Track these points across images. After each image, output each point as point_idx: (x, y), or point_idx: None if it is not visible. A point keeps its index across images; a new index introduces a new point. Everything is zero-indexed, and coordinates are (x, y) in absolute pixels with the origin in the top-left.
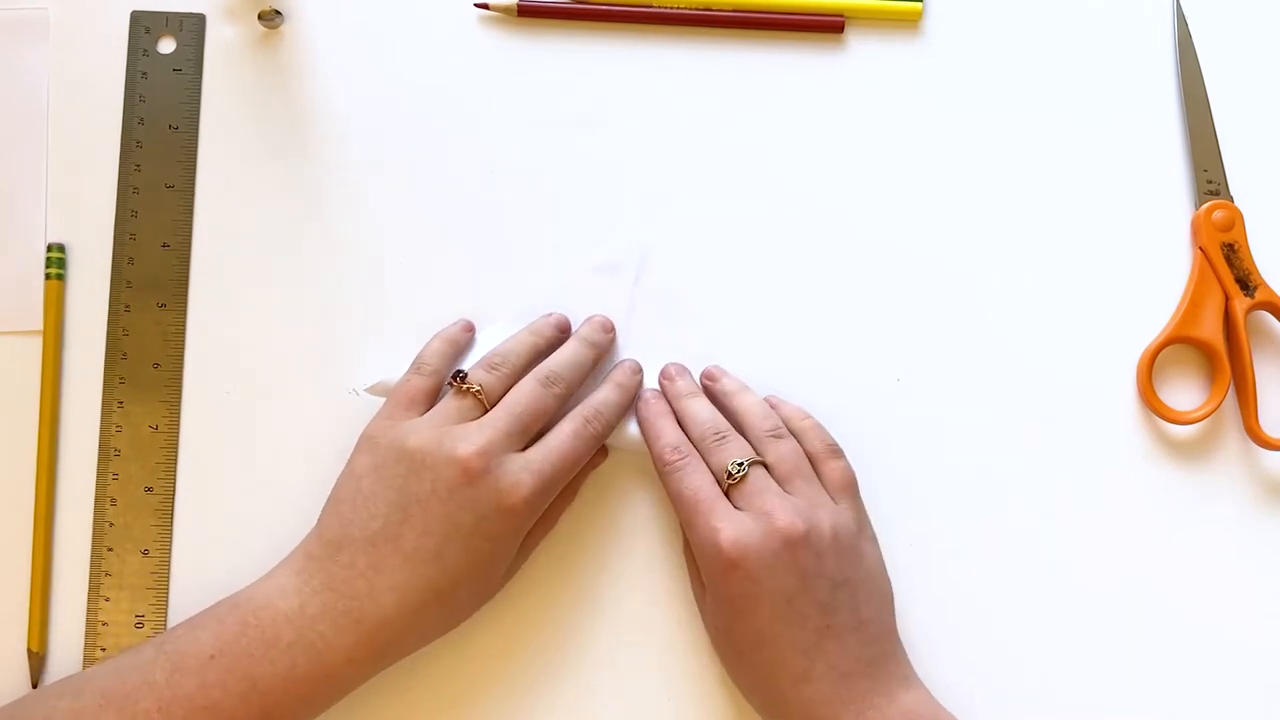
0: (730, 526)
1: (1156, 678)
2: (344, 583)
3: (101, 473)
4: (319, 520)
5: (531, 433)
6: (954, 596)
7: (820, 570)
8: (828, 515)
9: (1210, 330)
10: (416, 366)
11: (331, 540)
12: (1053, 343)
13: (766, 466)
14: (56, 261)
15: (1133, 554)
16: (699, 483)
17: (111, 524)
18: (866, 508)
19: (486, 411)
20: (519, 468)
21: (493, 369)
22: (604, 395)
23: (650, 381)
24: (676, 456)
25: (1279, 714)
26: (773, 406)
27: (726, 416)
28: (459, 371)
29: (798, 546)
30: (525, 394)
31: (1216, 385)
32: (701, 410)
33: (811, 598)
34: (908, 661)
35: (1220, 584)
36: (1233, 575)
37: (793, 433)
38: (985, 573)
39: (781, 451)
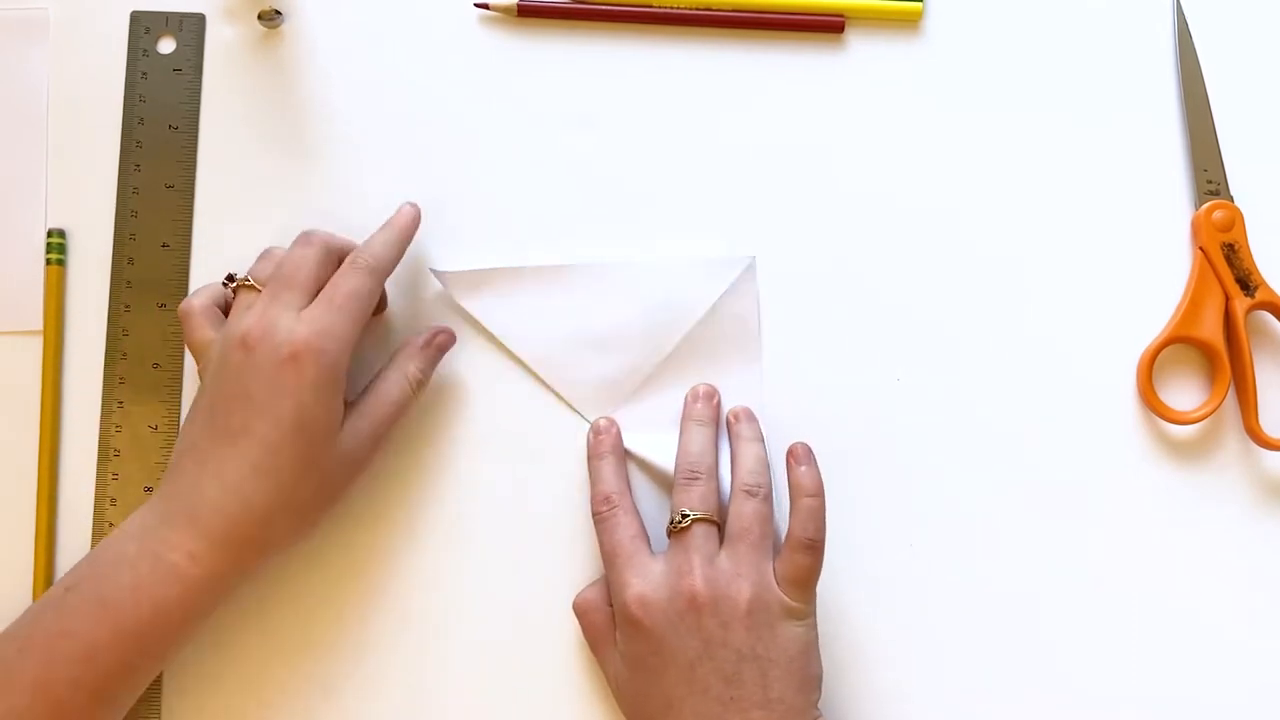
0: (639, 582)
1: (1156, 677)
2: (174, 487)
3: (101, 473)
4: None
5: (302, 289)
6: (954, 596)
7: (725, 640)
8: (749, 587)
9: (1210, 330)
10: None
11: (170, 465)
12: (1053, 342)
13: (720, 523)
14: (57, 247)
15: (1133, 554)
16: (620, 537)
17: (111, 524)
18: (859, 519)
19: None
20: (291, 320)
21: (265, 259)
22: (376, 235)
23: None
24: (605, 508)
25: (1279, 714)
26: (796, 459)
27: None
28: (229, 275)
29: (703, 611)
30: (286, 257)
31: (1216, 385)
32: (694, 442)
33: (715, 666)
34: None
35: (1220, 584)
36: (1233, 575)
37: (791, 499)
38: (985, 572)
39: (742, 510)
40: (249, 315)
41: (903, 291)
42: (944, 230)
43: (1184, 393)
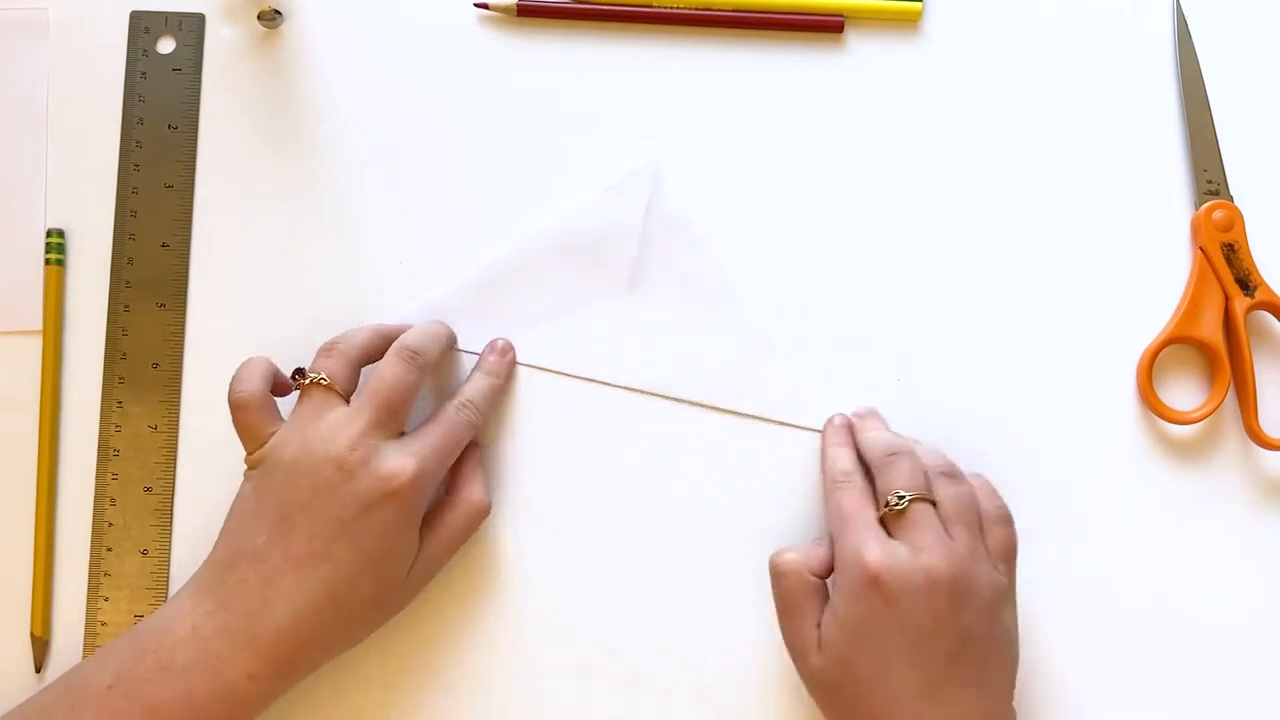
0: (878, 547)
1: (1156, 677)
2: (237, 599)
3: (101, 473)
4: (212, 549)
5: (400, 414)
6: None
7: (956, 619)
8: (984, 571)
9: (1210, 330)
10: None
11: (222, 561)
12: (1053, 342)
13: (934, 504)
14: (56, 247)
15: (1133, 554)
16: (861, 502)
17: (111, 524)
18: None
19: (342, 399)
20: (397, 452)
21: (329, 353)
22: (475, 384)
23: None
24: (844, 478)
25: (1279, 714)
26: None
27: None
28: (298, 370)
29: (940, 588)
30: (387, 373)
31: (1216, 385)
32: (882, 433)
33: (941, 643)
34: None
35: (1220, 584)
36: (1233, 575)
37: None
38: None
39: (955, 493)
40: (346, 432)
41: (902, 291)
42: (944, 230)
43: (1184, 393)
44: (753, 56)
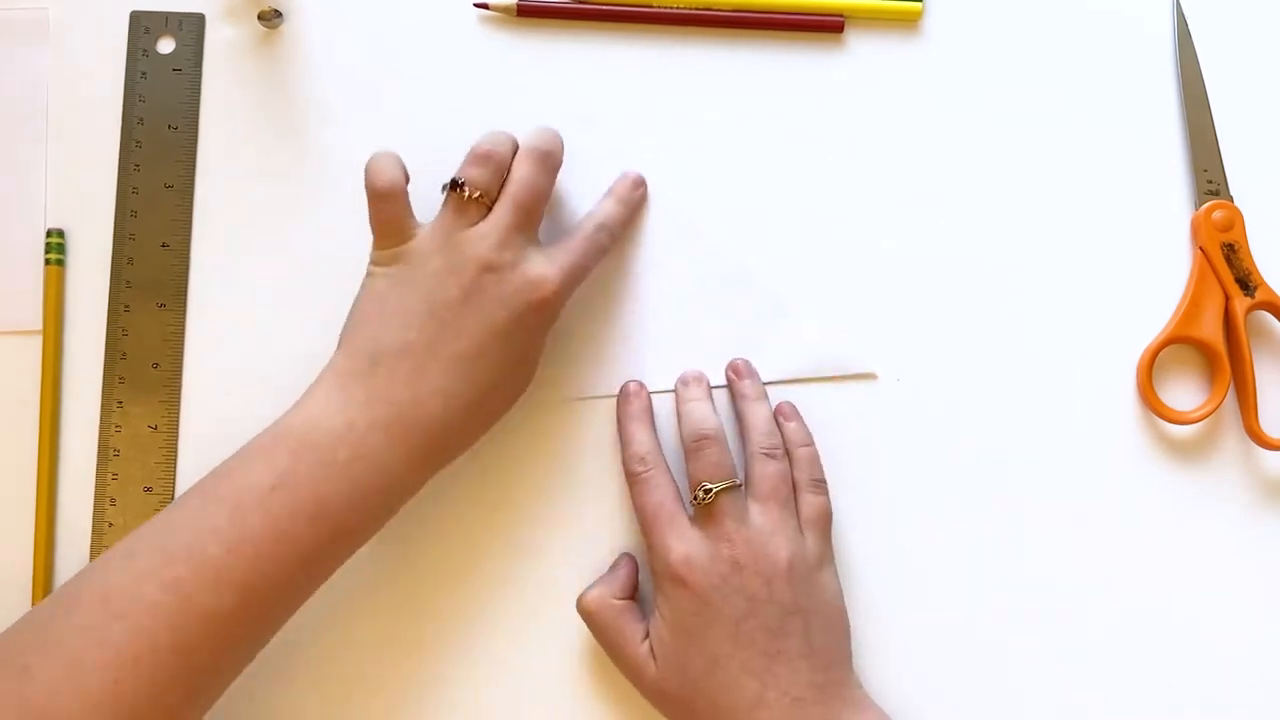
0: (681, 545)
1: (1156, 677)
2: (388, 392)
3: (101, 473)
4: (341, 341)
5: (536, 217)
6: (954, 596)
7: (770, 596)
8: (785, 544)
9: (1210, 330)
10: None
11: (365, 354)
12: (1053, 342)
13: (747, 483)
14: (56, 247)
15: (1133, 554)
16: (660, 498)
17: (111, 524)
18: (860, 519)
19: (488, 208)
20: (543, 260)
21: (485, 163)
22: (609, 209)
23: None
24: (641, 468)
25: (1279, 714)
26: (784, 417)
27: (737, 417)
28: (454, 180)
29: (746, 571)
30: (525, 176)
31: (1216, 385)
32: (697, 410)
33: (760, 622)
34: (860, 687)
35: (1220, 584)
36: (1233, 575)
37: (788, 452)
38: (985, 572)
39: (767, 471)
40: (493, 236)
41: (902, 291)
42: (944, 230)
43: (1184, 393)
44: (753, 56)
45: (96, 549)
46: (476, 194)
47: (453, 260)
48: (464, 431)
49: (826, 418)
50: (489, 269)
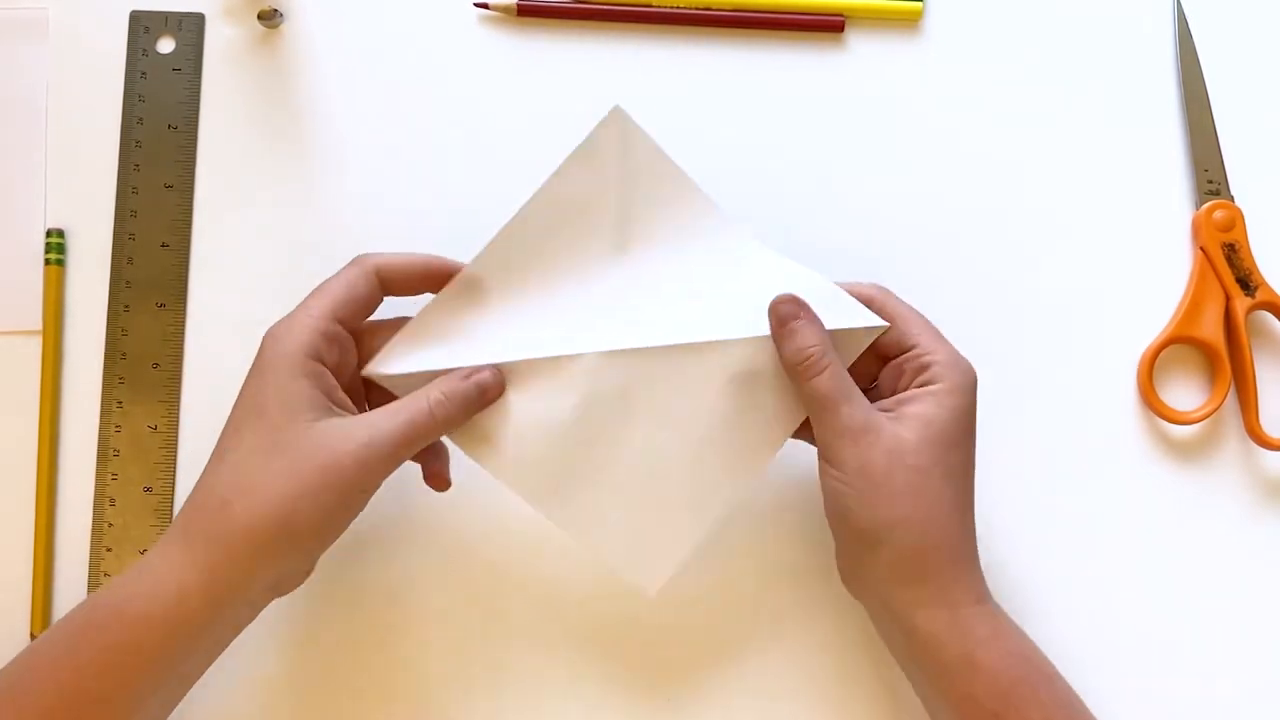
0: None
1: (1156, 677)
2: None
3: (101, 473)
4: None
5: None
6: None
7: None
8: None
9: (1211, 330)
10: None
11: None
12: (1053, 342)
13: None
14: (56, 247)
15: (1133, 554)
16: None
17: (111, 524)
18: None
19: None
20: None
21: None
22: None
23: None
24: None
25: (1279, 714)
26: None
27: None
28: None
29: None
30: None
31: (1217, 385)
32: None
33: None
34: None
35: (1220, 584)
36: (1233, 575)
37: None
38: (984, 572)
39: None
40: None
41: (902, 291)
42: (944, 229)
43: (1184, 393)
44: (753, 56)
45: (96, 549)
46: None
47: None
48: (219, 506)
49: None
50: None
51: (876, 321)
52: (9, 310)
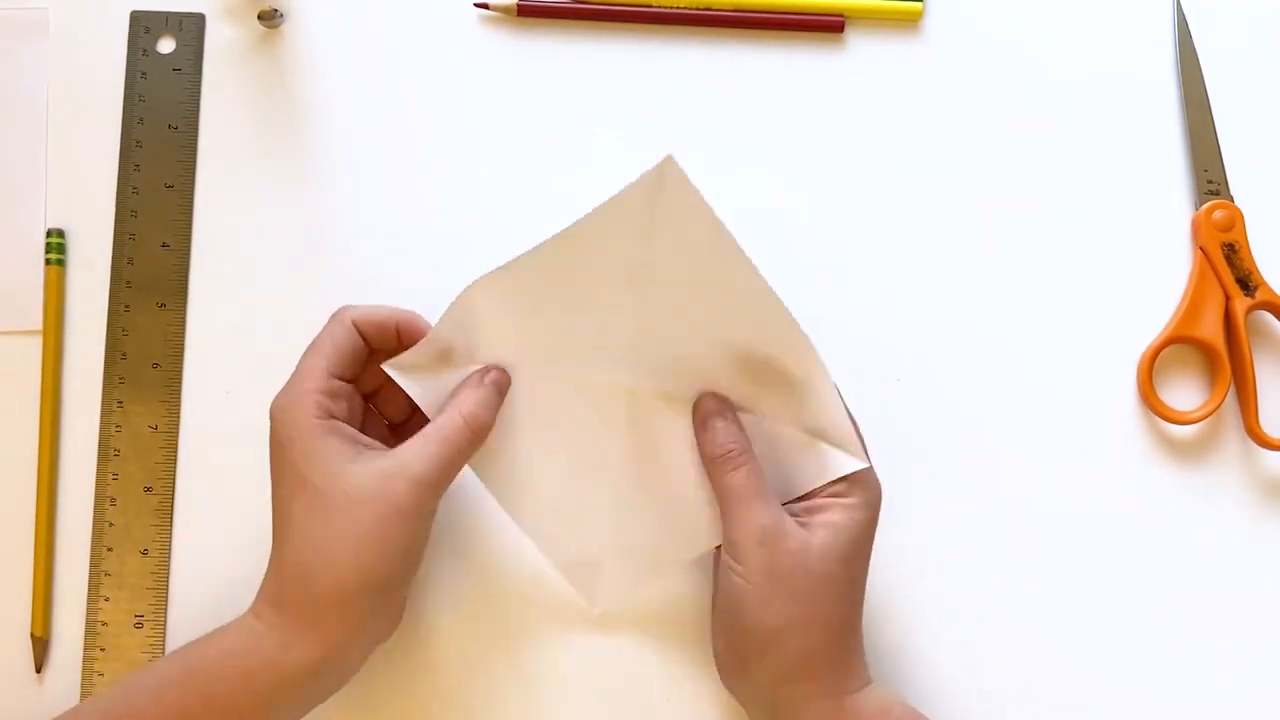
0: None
1: (1156, 678)
2: None
3: (101, 473)
4: None
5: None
6: (954, 596)
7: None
8: None
9: (1210, 330)
10: None
11: None
12: (1053, 343)
13: None
14: (56, 247)
15: (1133, 554)
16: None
17: (111, 524)
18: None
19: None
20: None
21: None
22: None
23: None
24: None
25: (1279, 714)
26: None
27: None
28: None
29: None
30: None
31: (1217, 385)
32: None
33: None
34: None
35: (1220, 584)
36: (1233, 575)
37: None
38: (984, 572)
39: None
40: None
41: (902, 291)
42: (943, 230)
43: (1184, 393)
44: (753, 56)
45: (96, 549)
46: None
47: None
48: (299, 577)
49: None
50: None
51: (859, 466)
52: (9, 310)
